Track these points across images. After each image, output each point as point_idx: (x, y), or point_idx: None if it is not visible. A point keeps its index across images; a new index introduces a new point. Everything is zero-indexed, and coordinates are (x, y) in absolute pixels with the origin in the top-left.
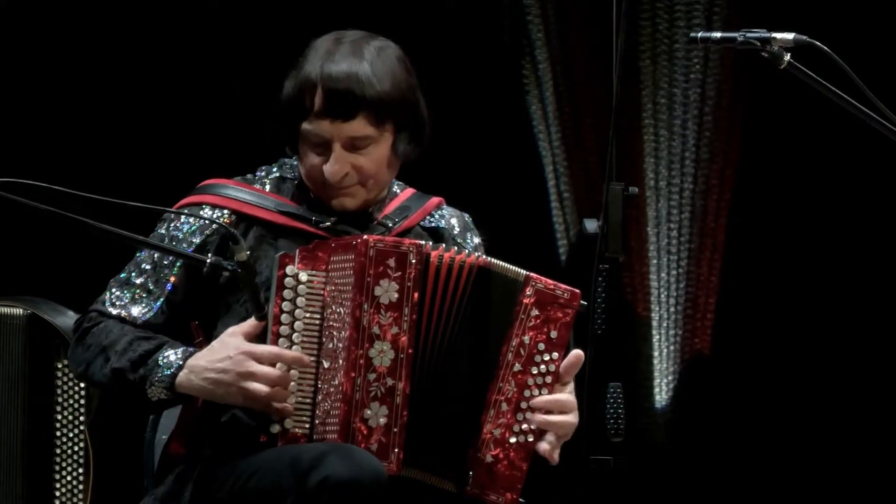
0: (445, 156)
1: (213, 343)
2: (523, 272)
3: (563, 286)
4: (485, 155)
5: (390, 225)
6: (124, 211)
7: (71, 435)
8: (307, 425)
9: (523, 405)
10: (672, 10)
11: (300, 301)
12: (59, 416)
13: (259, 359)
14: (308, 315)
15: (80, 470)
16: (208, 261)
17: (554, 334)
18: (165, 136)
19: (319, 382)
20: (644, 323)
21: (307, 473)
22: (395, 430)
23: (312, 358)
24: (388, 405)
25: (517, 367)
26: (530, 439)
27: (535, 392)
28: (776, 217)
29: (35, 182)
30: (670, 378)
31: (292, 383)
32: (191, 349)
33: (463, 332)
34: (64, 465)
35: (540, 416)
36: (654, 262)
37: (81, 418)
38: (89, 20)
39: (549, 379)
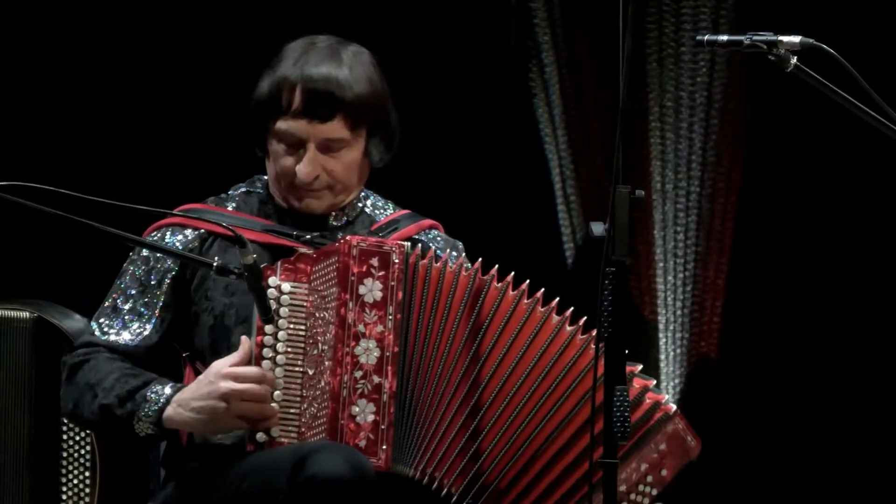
0: (452, 159)
1: (199, 377)
2: (673, 406)
3: (693, 432)
4: (491, 158)
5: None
6: (130, 214)
7: (77, 438)
8: (294, 434)
9: None
10: (679, 13)
11: (283, 311)
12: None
13: (241, 378)
14: (292, 326)
15: (87, 473)
16: (214, 264)
17: (664, 472)
18: (170, 137)
19: (304, 390)
20: (651, 326)
21: (297, 472)
22: (383, 427)
23: (297, 368)
24: (375, 402)
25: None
26: None
27: None
28: (783, 220)
29: (40, 185)
30: (677, 381)
31: (277, 392)
32: (180, 385)
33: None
34: (71, 467)
35: None
36: (661, 265)
37: None
38: (89, 21)
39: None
